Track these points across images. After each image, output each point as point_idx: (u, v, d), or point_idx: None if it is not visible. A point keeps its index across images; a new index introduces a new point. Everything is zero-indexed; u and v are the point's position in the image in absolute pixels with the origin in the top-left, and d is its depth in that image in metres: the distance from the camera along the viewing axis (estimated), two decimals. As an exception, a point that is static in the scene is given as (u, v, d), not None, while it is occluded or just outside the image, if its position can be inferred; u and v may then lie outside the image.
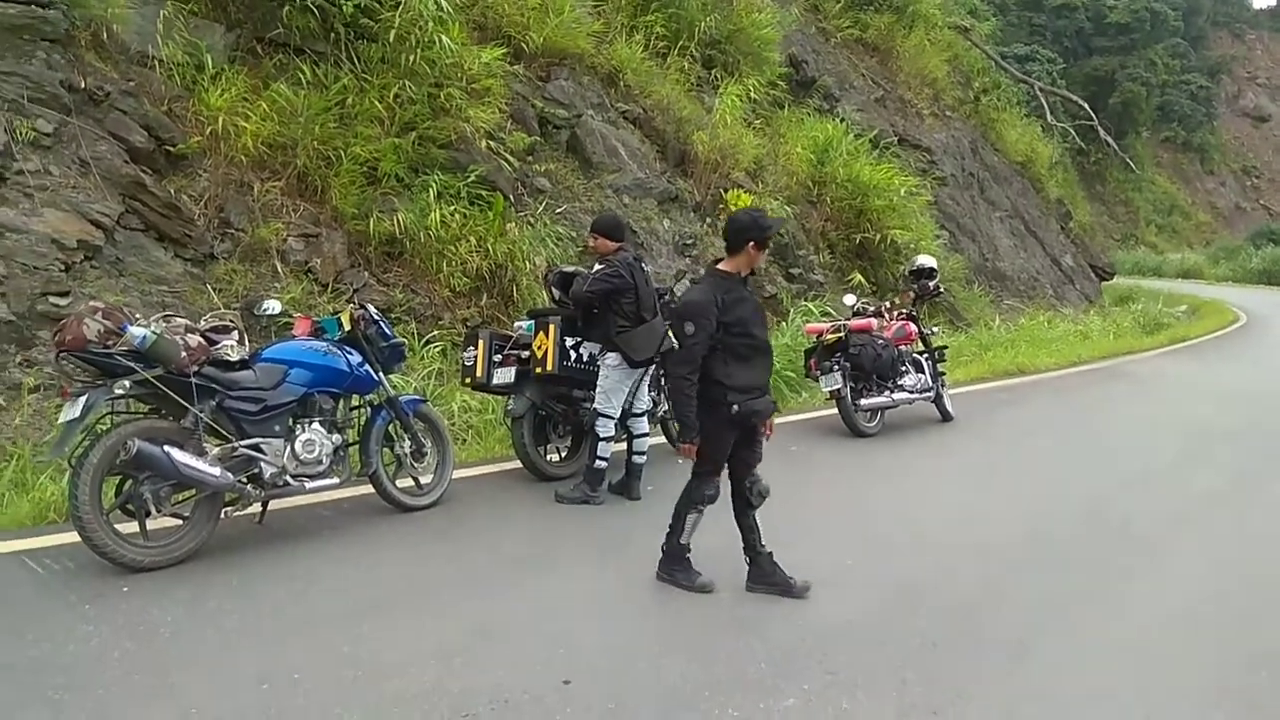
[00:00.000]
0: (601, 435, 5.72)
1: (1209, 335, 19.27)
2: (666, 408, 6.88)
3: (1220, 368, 14.48)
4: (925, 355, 8.91)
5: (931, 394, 8.71)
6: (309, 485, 4.93)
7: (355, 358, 5.20)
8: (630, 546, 4.97)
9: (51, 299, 5.93)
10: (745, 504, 4.41)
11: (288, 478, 4.81)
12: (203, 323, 4.81)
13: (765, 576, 4.41)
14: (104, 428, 4.36)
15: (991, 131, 21.74)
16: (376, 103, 7.96)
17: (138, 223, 6.61)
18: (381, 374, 5.37)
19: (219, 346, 4.66)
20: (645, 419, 6.07)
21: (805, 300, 11.47)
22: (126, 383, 4.28)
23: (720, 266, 4.34)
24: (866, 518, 5.87)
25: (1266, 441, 8.76)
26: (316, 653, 3.65)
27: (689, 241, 10.76)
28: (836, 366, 7.90)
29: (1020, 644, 4.08)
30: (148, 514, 4.34)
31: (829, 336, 8.06)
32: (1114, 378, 12.81)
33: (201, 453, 4.43)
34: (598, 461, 5.74)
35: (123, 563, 4.21)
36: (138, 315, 4.51)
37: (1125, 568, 5.13)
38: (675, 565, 4.46)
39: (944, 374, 9.11)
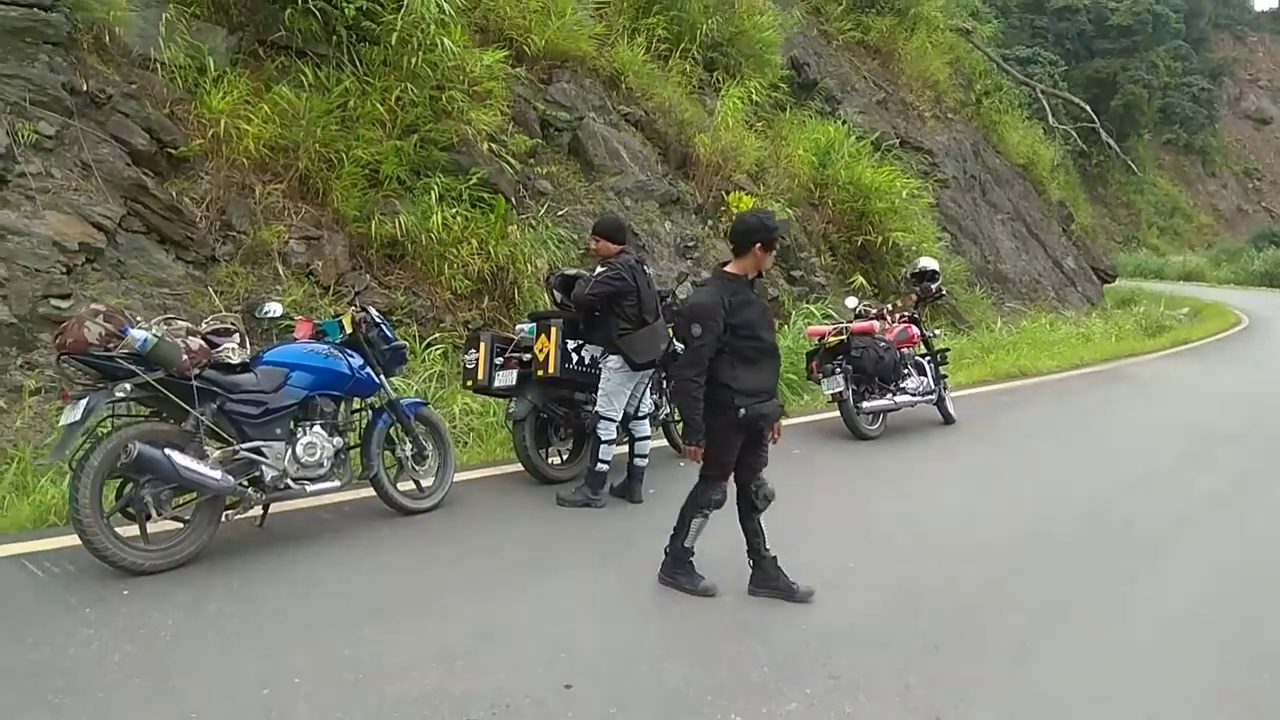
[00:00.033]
0: (603, 438, 5.71)
1: (1211, 338, 19.24)
2: (668, 410, 6.89)
3: (1222, 370, 14.46)
4: (927, 358, 8.90)
5: (934, 397, 8.70)
6: (310, 488, 4.92)
7: (357, 360, 5.20)
8: (632, 550, 4.96)
9: (53, 301, 5.94)
10: (750, 507, 4.39)
11: (289, 481, 4.81)
12: (204, 325, 4.81)
13: (768, 580, 4.40)
14: (105, 431, 4.35)
15: (993, 134, 21.74)
16: (378, 105, 7.96)
17: (139, 225, 6.61)
18: (383, 377, 5.36)
19: (220, 349, 4.66)
20: (647, 422, 6.06)
21: (807, 303, 11.47)
22: (127, 385, 4.27)
23: (727, 269, 4.32)
24: (868, 520, 5.86)
25: (1268, 444, 8.75)
26: (317, 656, 3.64)
27: (690, 244, 10.76)
28: (838, 369, 7.89)
29: (1023, 646, 4.07)
30: (148, 517, 4.34)
31: (831, 339, 8.05)
32: (1116, 380, 12.79)
33: (202, 456, 4.42)
34: (599, 464, 5.73)
35: (123, 566, 4.21)
36: (139, 318, 4.51)
37: (1127, 570, 5.12)
38: (678, 568, 4.45)
39: (946, 376, 9.10)
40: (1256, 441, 8.83)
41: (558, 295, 6.21)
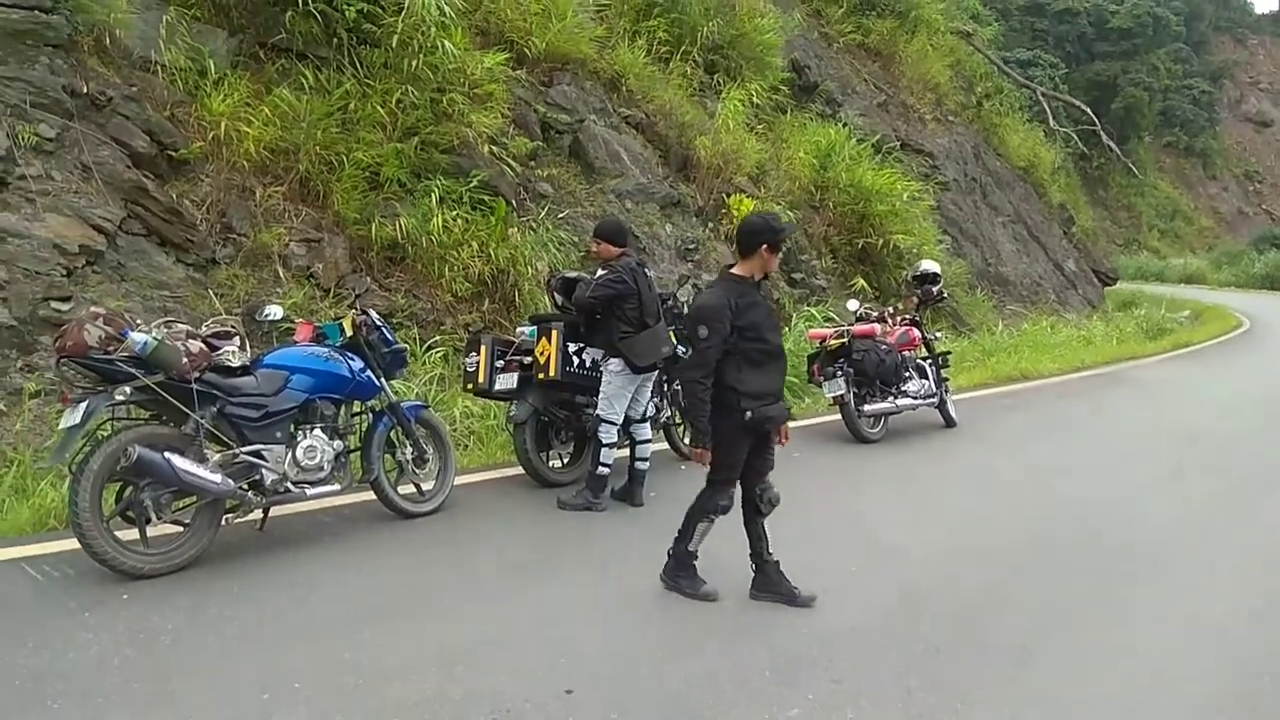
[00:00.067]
0: (604, 441, 5.70)
1: (1212, 340, 19.22)
2: (669, 413, 6.88)
3: (1224, 373, 14.44)
4: (929, 361, 8.89)
5: (935, 400, 8.69)
6: (310, 492, 4.91)
7: (357, 363, 5.19)
8: (633, 553, 4.94)
9: (53, 304, 5.93)
10: (755, 511, 4.38)
11: (289, 484, 4.80)
12: (204, 328, 4.80)
13: (770, 585, 4.38)
14: (104, 434, 4.35)
15: (994, 136, 21.75)
16: (379, 108, 7.96)
17: (139, 228, 6.61)
18: (383, 380, 5.36)
19: (220, 352, 4.65)
20: (648, 425, 6.05)
21: (808, 305, 11.47)
22: (127, 389, 4.27)
23: (733, 270, 4.30)
24: (870, 523, 5.84)
25: (1270, 447, 8.72)
26: (317, 660, 3.63)
27: (691, 246, 10.76)
28: (840, 372, 7.88)
29: (1024, 650, 4.06)
30: (148, 521, 4.33)
31: (832, 342, 8.04)
32: (1117, 383, 12.78)
33: (202, 459, 4.42)
34: (600, 468, 5.72)
35: (123, 570, 4.20)
36: (139, 321, 4.50)
37: (1128, 573, 5.11)
38: (680, 571, 4.43)
39: (947, 380, 9.09)
40: (1258, 444, 8.82)
41: (558, 298, 6.20)
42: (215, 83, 7.43)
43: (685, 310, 6.87)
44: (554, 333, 5.87)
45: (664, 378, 6.60)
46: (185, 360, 4.38)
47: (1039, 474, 7.35)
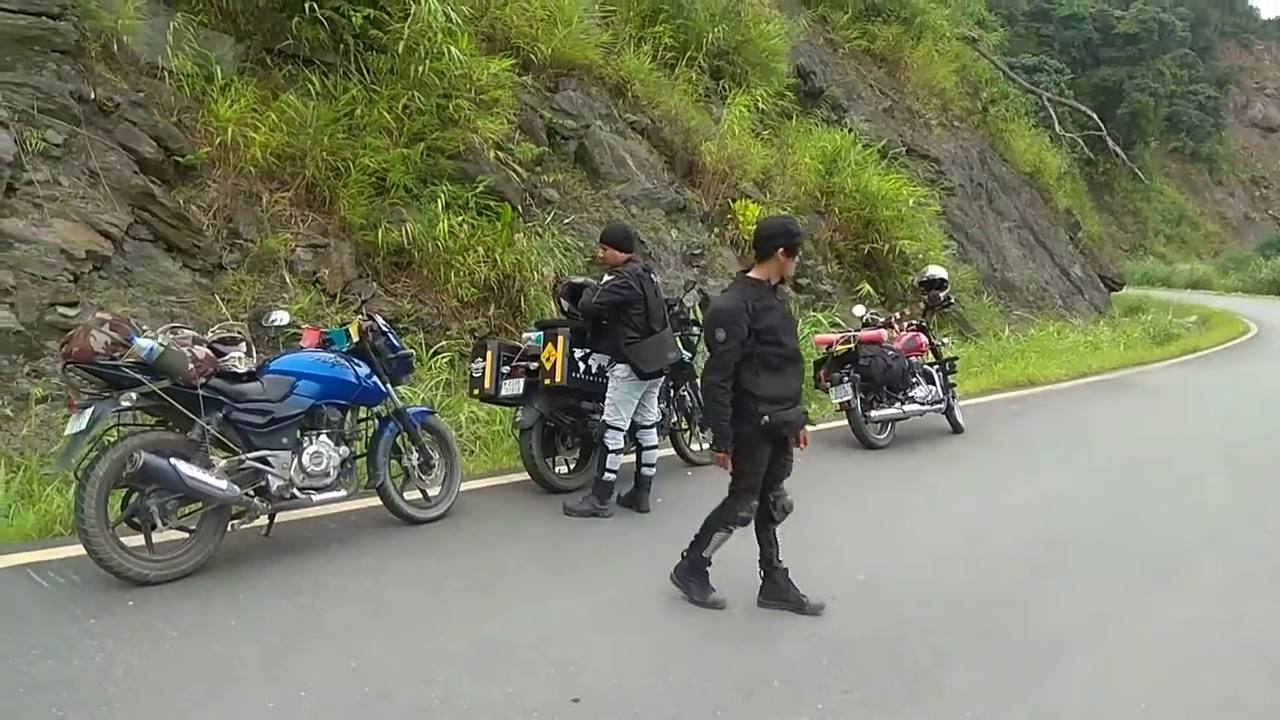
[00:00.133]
0: (610, 447, 5.68)
1: (1220, 346, 19.16)
2: (676, 419, 6.86)
3: (1232, 379, 14.38)
4: (936, 366, 8.86)
5: (942, 405, 8.65)
6: (316, 498, 4.89)
7: (363, 369, 5.18)
8: (639, 560, 4.92)
9: (60, 309, 5.93)
10: (767, 517, 4.35)
11: (295, 490, 4.78)
12: (210, 334, 4.79)
13: (779, 592, 4.35)
14: (110, 440, 4.33)
15: (1000, 142, 21.73)
16: (385, 113, 7.96)
17: (146, 233, 6.61)
18: (389, 385, 5.34)
19: (226, 358, 4.64)
20: (654, 431, 6.02)
21: (814, 311, 11.43)
22: (133, 394, 4.25)
23: (750, 274, 4.26)
24: (878, 530, 5.81)
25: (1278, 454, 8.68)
26: (324, 667, 3.61)
27: (697, 251, 10.74)
28: (846, 378, 7.85)
29: (1035, 657, 4.03)
30: (154, 527, 4.31)
31: (839, 347, 8.01)
32: (1125, 389, 12.73)
33: (208, 465, 4.40)
34: (606, 474, 5.69)
35: (128, 576, 4.18)
36: (145, 326, 4.51)
37: (1139, 580, 5.07)
38: (692, 576, 4.39)
39: (954, 385, 9.06)
40: (1268, 450, 8.75)
41: (565, 303, 6.19)
42: (222, 89, 7.45)
43: (691, 316, 6.87)
44: (560, 338, 5.85)
45: (670, 383, 6.58)
46: (191, 366, 4.37)
47: (1048, 480, 7.31)
